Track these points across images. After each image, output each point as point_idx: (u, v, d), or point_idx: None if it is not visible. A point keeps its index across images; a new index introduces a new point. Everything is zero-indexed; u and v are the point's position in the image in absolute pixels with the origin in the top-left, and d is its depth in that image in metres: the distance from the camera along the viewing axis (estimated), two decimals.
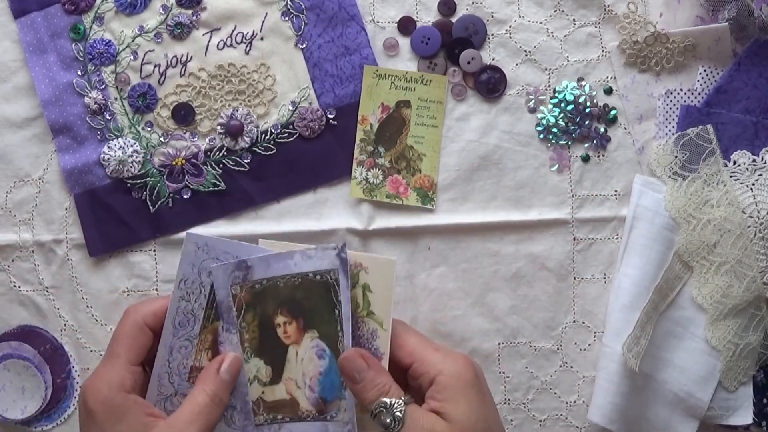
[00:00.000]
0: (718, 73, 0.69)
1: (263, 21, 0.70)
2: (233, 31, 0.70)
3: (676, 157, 0.68)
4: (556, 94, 0.70)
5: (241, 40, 0.70)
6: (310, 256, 0.59)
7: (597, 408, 0.68)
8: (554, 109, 0.70)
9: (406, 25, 0.70)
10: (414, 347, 0.59)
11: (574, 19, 0.70)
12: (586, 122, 0.70)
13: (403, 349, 0.59)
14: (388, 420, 0.54)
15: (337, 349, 0.59)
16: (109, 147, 0.70)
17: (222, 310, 0.61)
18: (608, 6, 0.70)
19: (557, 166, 0.70)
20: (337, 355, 0.59)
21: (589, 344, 0.70)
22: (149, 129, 0.70)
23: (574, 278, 0.70)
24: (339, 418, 0.60)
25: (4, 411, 0.70)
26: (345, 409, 0.59)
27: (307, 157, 0.70)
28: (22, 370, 0.69)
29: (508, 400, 0.71)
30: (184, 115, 0.70)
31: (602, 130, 0.70)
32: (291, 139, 0.70)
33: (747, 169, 0.68)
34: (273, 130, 0.70)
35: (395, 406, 0.55)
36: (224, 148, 0.70)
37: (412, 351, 0.59)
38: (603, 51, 0.70)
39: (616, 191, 0.70)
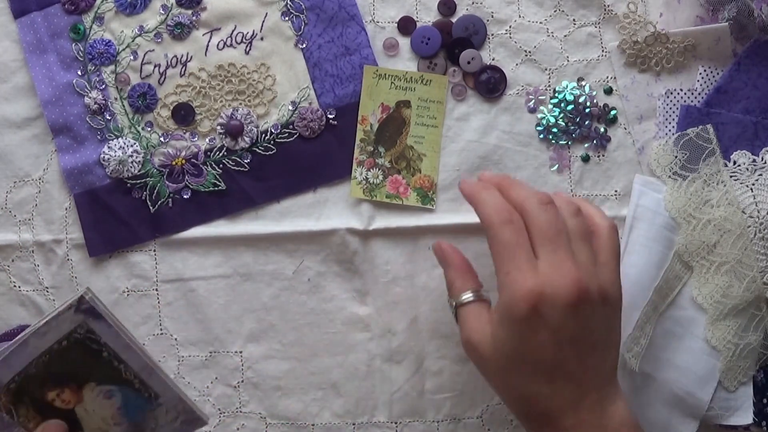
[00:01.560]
0: (718, 73, 0.69)
1: (263, 21, 0.70)
2: (233, 31, 0.70)
3: (676, 157, 0.68)
4: (556, 94, 0.70)
5: (241, 40, 0.70)
6: (44, 333, 0.59)
7: None
8: (554, 109, 0.70)
9: (406, 25, 0.70)
10: (495, 257, 0.54)
11: (574, 19, 0.70)
12: (586, 122, 0.70)
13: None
14: (453, 315, 0.59)
15: (127, 379, 0.60)
16: (109, 147, 0.70)
17: None
18: (608, 6, 0.70)
19: (557, 166, 0.70)
20: (129, 385, 0.60)
21: None
22: (149, 129, 0.70)
23: None
24: (162, 422, 0.62)
25: None
26: (166, 411, 0.62)
27: (307, 157, 0.70)
28: None
29: None
30: (184, 115, 0.70)
31: (602, 130, 0.70)
32: (291, 139, 0.70)
33: (747, 169, 0.68)
34: (273, 130, 0.70)
35: (452, 306, 0.59)
36: (224, 148, 0.70)
37: (495, 260, 0.55)
38: (603, 51, 0.70)
39: (616, 191, 0.70)
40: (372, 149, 0.70)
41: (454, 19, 0.70)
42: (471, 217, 0.70)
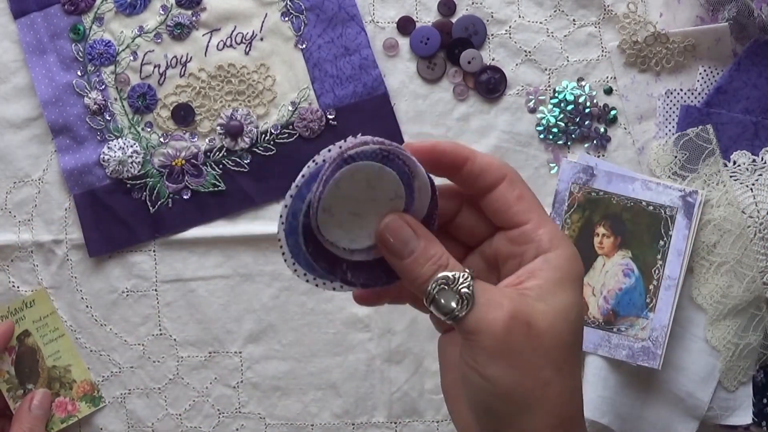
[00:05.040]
0: (718, 73, 0.69)
1: (263, 21, 0.70)
2: (233, 31, 0.70)
3: (675, 157, 0.68)
4: (556, 94, 0.70)
5: (241, 40, 0.70)
6: (650, 188, 0.66)
7: (586, 403, 0.67)
8: (554, 109, 0.70)
9: (405, 25, 0.70)
10: (525, 208, 0.41)
11: (574, 19, 0.70)
12: (586, 122, 0.70)
13: (513, 205, 0.42)
14: (452, 302, 0.39)
15: (650, 273, 0.65)
16: (109, 147, 0.70)
17: (556, 200, 0.68)
18: (608, 6, 0.70)
19: (557, 166, 0.70)
20: (647, 278, 0.65)
21: None
22: (149, 129, 0.70)
23: None
24: (628, 333, 0.65)
25: None
26: (643, 327, 0.65)
27: (306, 157, 0.70)
28: None
29: None
30: (183, 115, 0.70)
31: (602, 130, 0.70)
32: (291, 139, 0.70)
33: (747, 169, 0.68)
34: (273, 131, 0.70)
35: (461, 280, 0.39)
36: (224, 149, 0.70)
37: (522, 211, 0.41)
38: (603, 51, 0.70)
39: None
40: (22, 392, 0.69)
41: (453, 20, 0.70)
42: None
